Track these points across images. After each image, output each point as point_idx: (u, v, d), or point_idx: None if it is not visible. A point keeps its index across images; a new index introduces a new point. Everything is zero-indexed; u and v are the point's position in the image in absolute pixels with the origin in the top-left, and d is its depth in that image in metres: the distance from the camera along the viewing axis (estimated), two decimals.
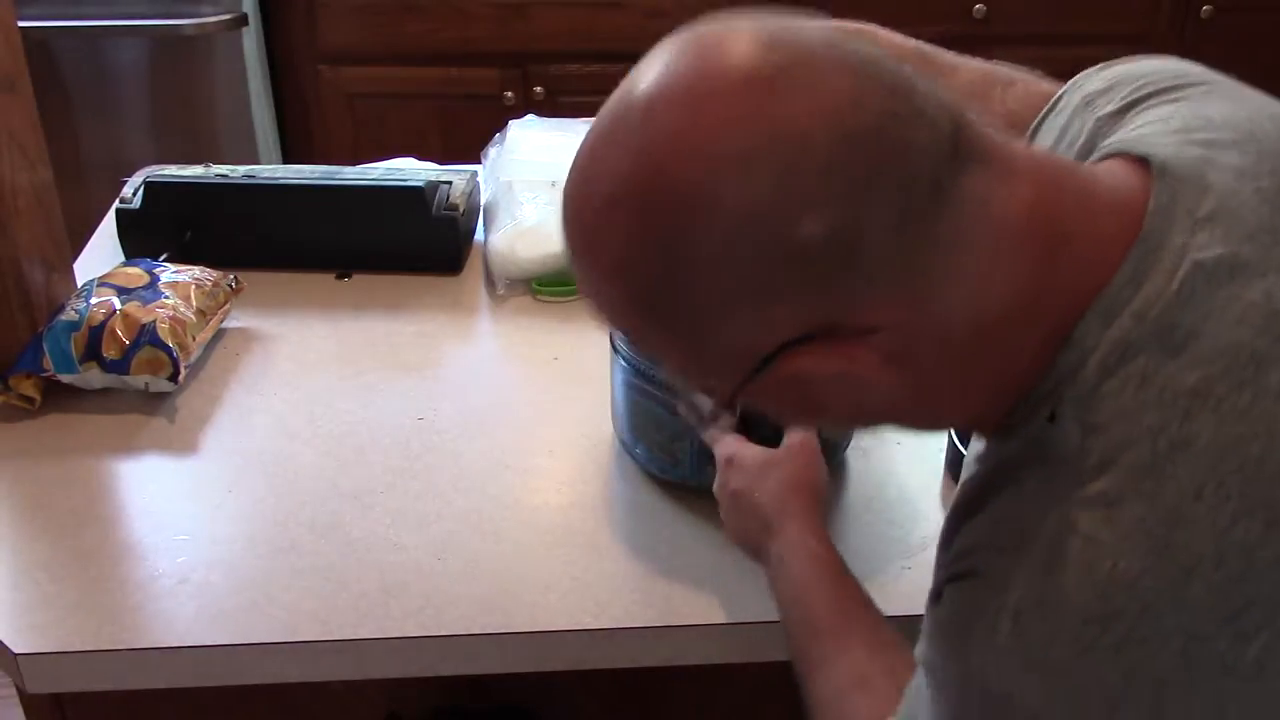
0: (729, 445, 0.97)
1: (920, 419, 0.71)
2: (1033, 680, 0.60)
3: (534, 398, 1.22)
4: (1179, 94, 0.71)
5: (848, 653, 0.83)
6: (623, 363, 1.05)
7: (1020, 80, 0.90)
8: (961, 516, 0.68)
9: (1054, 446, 0.62)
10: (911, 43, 1.02)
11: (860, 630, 0.84)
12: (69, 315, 1.18)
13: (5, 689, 1.01)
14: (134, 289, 1.23)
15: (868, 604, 0.85)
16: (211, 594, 0.97)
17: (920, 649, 0.70)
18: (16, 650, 0.91)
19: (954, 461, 1.09)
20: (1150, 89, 0.73)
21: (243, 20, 2.41)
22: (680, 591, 0.97)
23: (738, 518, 0.95)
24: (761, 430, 0.98)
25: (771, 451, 0.96)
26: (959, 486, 0.71)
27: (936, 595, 0.68)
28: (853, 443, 1.11)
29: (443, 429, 1.16)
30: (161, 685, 0.94)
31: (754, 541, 0.93)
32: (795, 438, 0.97)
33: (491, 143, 1.57)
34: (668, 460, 1.06)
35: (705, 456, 1.02)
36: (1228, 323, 0.60)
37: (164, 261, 1.31)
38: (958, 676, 0.64)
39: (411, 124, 2.56)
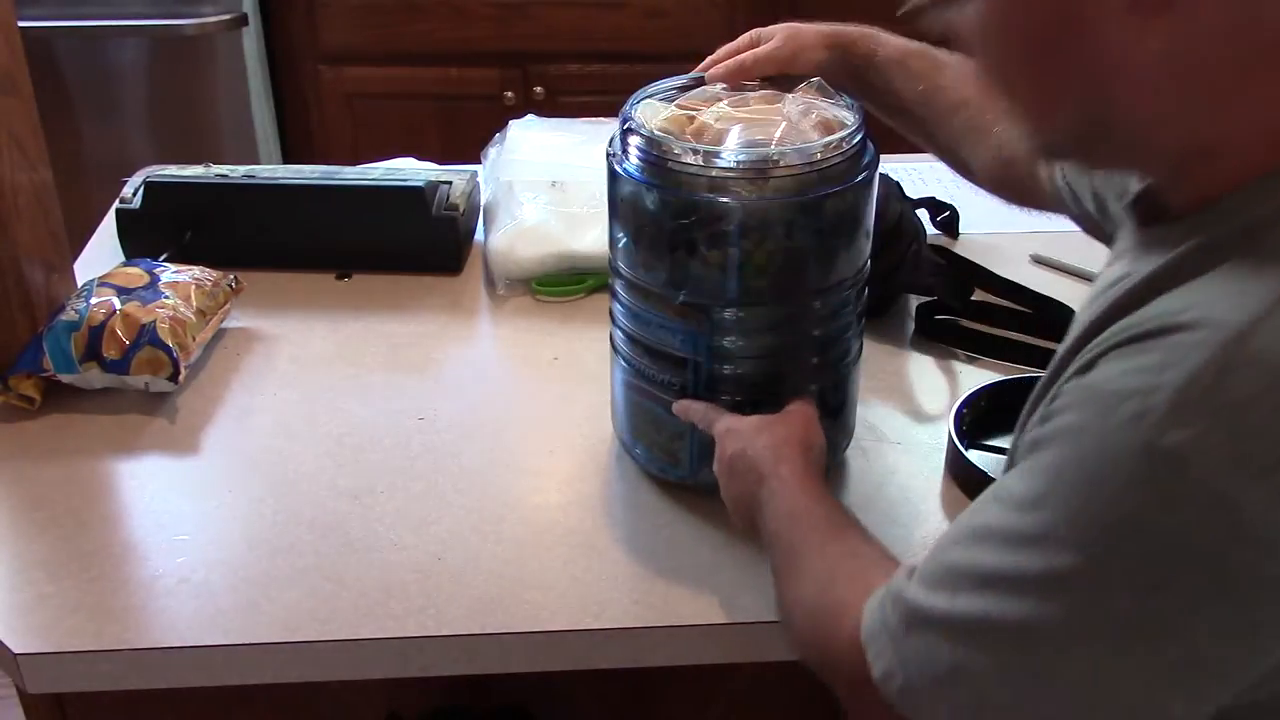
0: (725, 420, 0.97)
1: (1146, 120, 0.62)
2: (1221, 437, 0.55)
3: (534, 398, 1.22)
4: None
5: (841, 540, 0.81)
6: (623, 363, 1.05)
7: None
8: (1139, 299, 0.63)
9: None
10: (915, 43, 1.00)
11: (853, 529, 0.83)
12: (69, 315, 1.18)
13: (5, 689, 1.01)
14: (134, 289, 1.23)
15: (862, 528, 0.85)
16: (211, 594, 0.97)
17: (1051, 426, 0.63)
18: (16, 650, 0.91)
19: (954, 461, 1.09)
20: None
21: (243, 20, 2.42)
22: (680, 591, 0.97)
23: (734, 482, 0.94)
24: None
25: (767, 416, 0.96)
26: (1117, 288, 0.66)
27: (1088, 367, 0.63)
28: (852, 443, 1.11)
29: (443, 429, 1.16)
30: (161, 685, 0.94)
31: (748, 499, 0.91)
32: (793, 404, 0.97)
33: (491, 143, 1.57)
34: (667, 460, 1.06)
35: (704, 456, 1.02)
36: None
37: (164, 261, 1.31)
38: (1125, 440, 0.57)
39: (411, 124, 2.56)
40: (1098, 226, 0.98)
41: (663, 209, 0.95)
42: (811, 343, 1.01)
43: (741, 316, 0.98)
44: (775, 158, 0.93)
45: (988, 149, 1.07)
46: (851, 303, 1.02)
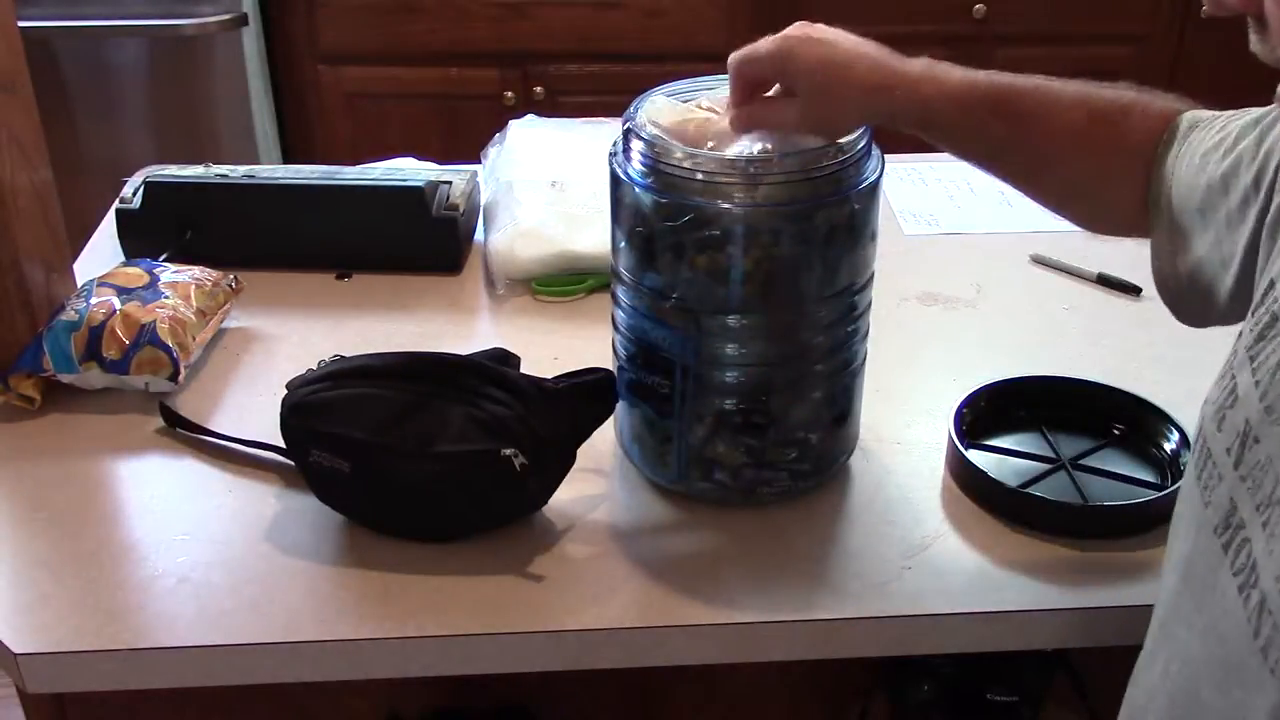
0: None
1: None
2: None
3: None
4: None
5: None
6: (620, 363, 1.05)
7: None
8: None
9: None
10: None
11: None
12: (69, 315, 1.18)
13: (5, 689, 1.01)
14: (134, 289, 1.23)
15: None
16: (211, 594, 0.97)
17: None
18: (16, 650, 0.91)
19: (954, 461, 1.09)
20: None
21: (243, 20, 2.42)
22: (680, 591, 0.97)
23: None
24: None
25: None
26: None
27: None
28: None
29: None
30: (161, 685, 0.95)
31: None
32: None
33: (491, 143, 1.57)
34: (657, 464, 1.06)
35: (691, 463, 1.01)
36: None
37: (164, 261, 1.31)
38: None
39: (411, 124, 2.56)
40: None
41: (655, 211, 0.94)
42: (812, 351, 1.00)
43: (731, 323, 0.97)
44: (766, 164, 0.92)
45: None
46: (854, 311, 1.01)
